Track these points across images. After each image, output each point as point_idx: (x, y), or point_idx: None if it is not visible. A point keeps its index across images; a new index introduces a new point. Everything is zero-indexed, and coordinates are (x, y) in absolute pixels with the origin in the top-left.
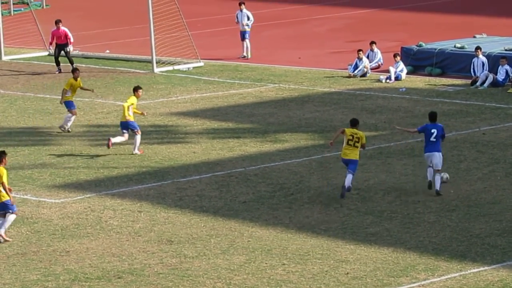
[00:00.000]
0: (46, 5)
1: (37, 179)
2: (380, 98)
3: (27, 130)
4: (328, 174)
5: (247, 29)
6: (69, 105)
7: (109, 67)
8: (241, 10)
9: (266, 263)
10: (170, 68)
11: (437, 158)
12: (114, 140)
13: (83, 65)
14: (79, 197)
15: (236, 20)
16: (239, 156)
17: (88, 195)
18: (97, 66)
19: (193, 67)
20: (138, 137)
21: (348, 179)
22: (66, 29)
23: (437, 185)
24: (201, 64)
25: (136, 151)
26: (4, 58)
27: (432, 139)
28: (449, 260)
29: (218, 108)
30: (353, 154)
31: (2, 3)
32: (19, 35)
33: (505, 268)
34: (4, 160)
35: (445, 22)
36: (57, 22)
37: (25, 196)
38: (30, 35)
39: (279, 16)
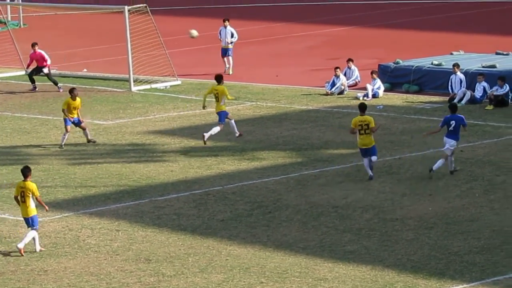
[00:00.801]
0: (23, 24)
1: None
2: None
3: (4, 149)
4: (306, 191)
5: (230, 46)
6: (65, 121)
7: (87, 86)
8: (225, 27)
9: (244, 282)
10: (147, 86)
11: (453, 144)
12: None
13: (61, 84)
14: (57, 216)
15: (219, 37)
16: (216, 174)
17: (66, 214)
18: (75, 85)
19: (170, 86)
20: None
21: (374, 160)
22: (43, 52)
23: (451, 166)
24: (178, 82)
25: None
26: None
27: (450, 128)
28: (428, 278)
29: (196, 126)
30: (368, 141)
31: None
32: None
33: (484, 286)
34: (30, 174)
35: (422, 39)
36: (33, 45)
37: (3, 216)
38: (7, 54)
39: (256, 33)
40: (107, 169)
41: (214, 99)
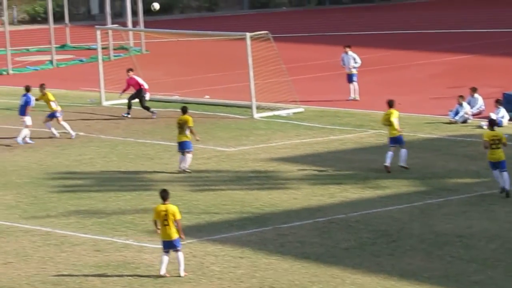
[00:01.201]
0: (145, 51)
1: (138, 224)
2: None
3: (128, 175)
4: (430, 220)
5: (354, 71)
6: (186, 146)
7: (209, 113)
8: (346, 53)
9: None
10: (270, 113)
11: None
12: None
13: (155, 109)
14: (181, 243)
15: (342, 64)
16: (340, 202)
17: (189, 241)
18: (197, 112)
19: (293, 113)
20: None
21: (505, 178)
22: (137, 77)
23: None
24: (301, 109)
25: None
26: (104, 103)
27: None
28: None
29: (319, 154)
30: (499, 155)
31: (102, 48)
32: (119, 81)
33: None
34: (169, 197)
35: None
36: (129, 71)
37: (127, 241)
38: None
39: (378, 61)
40: (230, 196)
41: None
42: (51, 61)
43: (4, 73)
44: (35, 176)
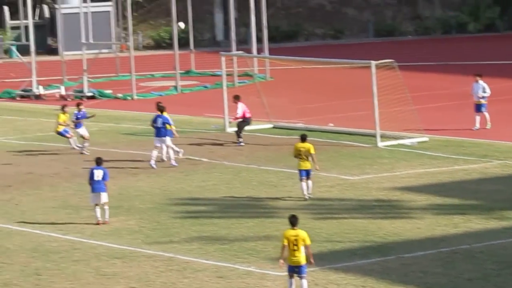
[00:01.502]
0: (270, 78)
1: (261, 251)
2: None
3: (251, 201)
4: None
5: (483, 101)
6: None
7: (333, 141)
8: (476, 82)
9: None
10: (394, 142)
11: None
12: None
13: (242, 140)
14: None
15: (471, 92)
16: (464, 233)
17: (312, 269)
18: (321, 139)
19: (418, 142)
20: None
21: None
22: (241, 105)
23: None
24: (426, 139)
25: None
26: (228, 129)
27: None
28: None
29: (443, 183)
30: None
31: (227, 75)
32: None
33: None
34: (297, 223)
35: None
36: (236, 98)
37: (249, 268)
38: (254, 107)
39: (507, 91)
40: (353, 225)
41: None
42: (175, 87)
43: (129, 98)
44: (158, 201)
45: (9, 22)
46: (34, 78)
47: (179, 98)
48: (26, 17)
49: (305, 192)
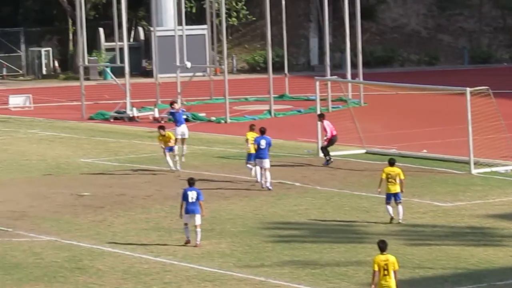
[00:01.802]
0: (363, 103)
1: (352, 276)
2: None
3: (343, 227)
4: None
5: None
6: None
7: (426, 167)
8: None
9: None
10: (488, 169)
11: None
12: None
13: (400, 164)
14: None
15: None
16: None
17: None
18: (414, 166)
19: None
20: None
21: None
22: (327, 123)
23: None
24: None
25: None
26: (322, 154)
27: None
28: None
29: None
30: None
31: (321, 99)
32: (336, 132)
33: None
34: (386, 248)
35: None
36: (320, 116)
37: None
38: (347, 132)
39: None
40: (445, 251)
41: None
42: (269, 111)
43: (222, 121)
44: (250, 225)
45: (104, 44)
46: (128, 100)
47: (273, 122)
48: (121, 39)
49: (391, 214)
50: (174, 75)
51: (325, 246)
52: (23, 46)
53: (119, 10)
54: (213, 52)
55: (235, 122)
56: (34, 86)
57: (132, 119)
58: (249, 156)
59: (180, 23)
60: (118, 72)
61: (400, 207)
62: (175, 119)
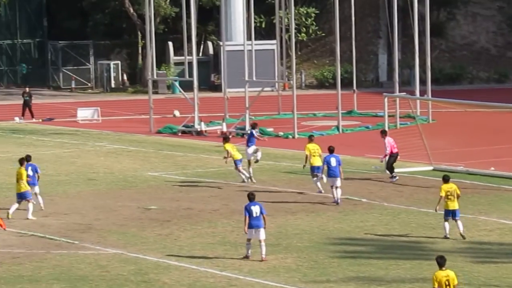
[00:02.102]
0: (432, 120)
1: None
2: None
3: (409, 243)
4: None
5: None
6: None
7: (494, 185)
8: None
9: None
10: None
11: None
12: None
13: (467, 181)
14: None
15: None
16: None
17: None
18: (482, 183)
19: None
20: None
21: None
22: (388, 139)
23: None
24: None
25: None
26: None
27: None
28: None
29: None
30: None
31: (389, 116)
32: (404, 149)
33: None
34: (445, 263)
35: None
36: (383, 132)
37: None
38: (415, 149)
39: None
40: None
41: None
42: (337, 127)
43: (290, 136)
44: (316, 240)
45: (173, 58)
46: (196, 114)
47: (341, 138)
48: (190, 53)
49: (447, 232)
50: (242, 89)
51: (390, 263)
52: (92, 59)
53: (188, 24)
54: (282, 67)
55: (303, 138)
56: (103, 99)
57: (200, 133)
58: (313, 168)
59: (249, 38)
60: (187, 86)
61: (460, 223)
62: (249, 139)
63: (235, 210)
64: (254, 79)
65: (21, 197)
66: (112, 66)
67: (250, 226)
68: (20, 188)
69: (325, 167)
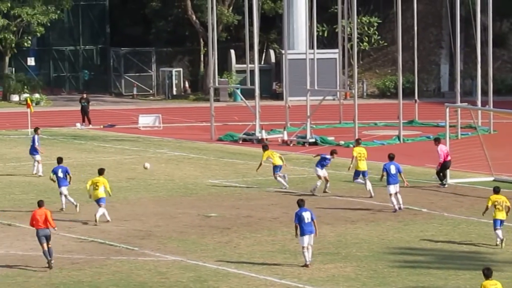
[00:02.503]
0: (493, 131)
1: None
2: None
3: (468, 254)
4: None
5: None
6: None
7: None
8: None
9: None
10: None
11: None
12: None
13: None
14: None
15: None
16: None
17: None
18: None
19: None
20: None
21: None
22: (441, 147)
23: None
24: None
25: None
26: (449, 181)
27: None
28: None
29: None
30: None
31: (450, 126)
32: (465, 159)
33: None
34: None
35: None
36: (436, 140)
37: None
38: (476, 159)
39: None
40: None
41: None
42: (398, 136)
43: (351, 145)
44: (376, 249)
45: (235, 65)
46: (257, 122)
47: (401, 147)
48: (252, 61)
49: (499, 241)
50: (304, 98)
51: (450, 273)
52: (153, 66)
53: (251, 32)
54: (343, 76)
55: (363, 147)
56: (164, 106)
57: (260, 141)
58: (357, 173)
59: (311, 47)
60: (248, 94)
61: (500, 231)
62: (322, 162)
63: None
64: (316, 87)
65: (98, 202)
66: (174, 73)
67: (303, 233)
68: (97, 194)
69: (385, 174)
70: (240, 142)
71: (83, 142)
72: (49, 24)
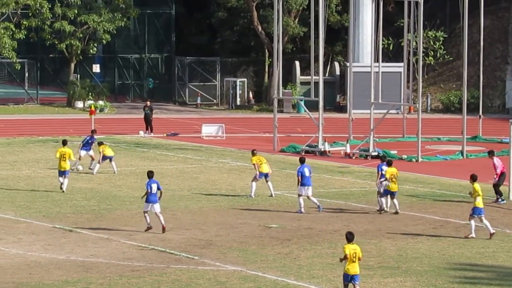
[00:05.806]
0: None
1: None
2: None
3: None
4: None
5: None
6: None
7: None
8: None
9: None
10: None
11: None
12: None
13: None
14: None
15: None
16: None
17: None
18: None
19: None
20: None
21: None
22: (496, 160)
23: None
24: None
25: None
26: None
27: None
28: None
29: None
30: None
31: None
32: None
33: None
34: None
35: None
36: (490, 153)
37: None
38: None
39: None
40: None
41: None
42: (461, 152)
43: (414, 160)
44: (436, 264)
45: (299, 77)
46: (320, 134)
47: (464, 163)
48: (316, 73)
49: None
50: (367, 111)
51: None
52: (218, 76)
53: (316, 44)
54: (408, 90)
55: (426, 162)
56: (227, 116)
57: (323, 154)
58: (385, 192)
59: (377, 60)
60: (312, 106)
61: None
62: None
63: (356, 231)
64: (380, 101)
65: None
66: (238, 83)
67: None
68: (65, 166)
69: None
70: (303, 153)
71: (145, 150)
72: (115, 32)
